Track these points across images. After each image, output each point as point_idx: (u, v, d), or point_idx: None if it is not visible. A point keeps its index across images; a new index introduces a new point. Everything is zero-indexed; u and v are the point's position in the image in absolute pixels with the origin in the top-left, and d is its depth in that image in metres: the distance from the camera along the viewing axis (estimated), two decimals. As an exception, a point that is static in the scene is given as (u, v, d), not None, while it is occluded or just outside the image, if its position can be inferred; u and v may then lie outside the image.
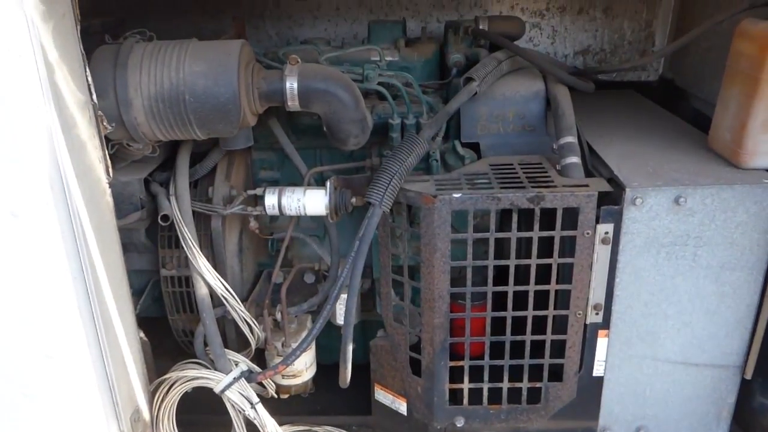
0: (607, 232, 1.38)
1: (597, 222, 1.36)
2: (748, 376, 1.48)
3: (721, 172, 1.39)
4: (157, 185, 1.56)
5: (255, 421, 1.48)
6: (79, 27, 1.17)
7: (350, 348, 1.43)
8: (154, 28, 1.43)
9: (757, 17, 1.34)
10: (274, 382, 1.67)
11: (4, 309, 1.19)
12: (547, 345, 1.47)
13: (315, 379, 1.77)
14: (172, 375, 1.49)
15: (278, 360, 1.55)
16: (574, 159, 1.43)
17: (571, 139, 1.46)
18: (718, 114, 1.45)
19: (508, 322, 1.46)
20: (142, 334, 1.63)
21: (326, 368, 1.77)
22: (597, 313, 1.45)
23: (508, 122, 1.60)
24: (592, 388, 1.53)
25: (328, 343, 1.77)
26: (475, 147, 1.61)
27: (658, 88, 2.18)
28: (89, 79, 1.20)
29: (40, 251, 1.14)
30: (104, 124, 1.26)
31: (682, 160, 1.46)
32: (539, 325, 1.46)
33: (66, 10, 1.13)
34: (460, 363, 1.51)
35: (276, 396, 1.61)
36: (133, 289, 1.67)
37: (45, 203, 1.12)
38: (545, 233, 1.37)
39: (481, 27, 1.73)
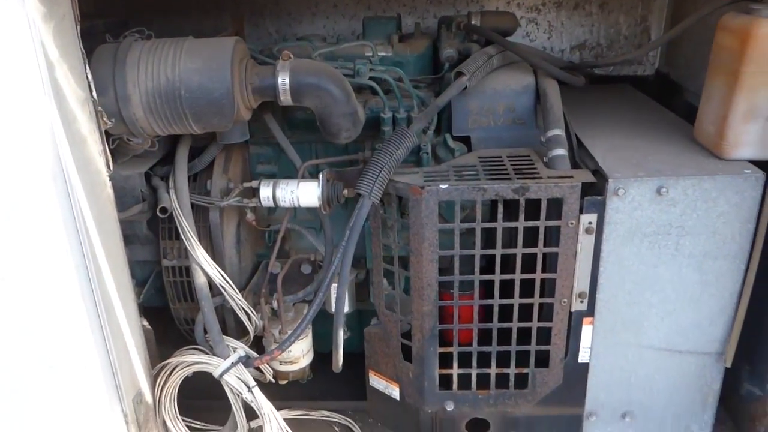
0: (590, 222, 1.41)
1: (581, 212, 1.40)
2: (728, 364, 1.51)
3: (703, 163, 1.42)
4: (157, 179, 1.62)
5: (252, 404, 1.54)
6: (78, 27, 1.23)
7: (341, 334, 1.48)
8: (155, 27, 1.49)
9: (740, 11, 1.37)
10: (273, 369, 1.73)
11: (11, 297, 1.25)
12: (534, 332, 1.51)
13: (313, 366, 1.83)
14: (173, 360, 1.55)
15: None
16: (561, 151, 1.47)
17: (558, 131, 1.50)
18: (702, 106, 1.48)
19: (495, 309, 1.50)
20: (145, 322, 1.69)
21: (323, 356, 1.82)
22: (582, 301, 1.49)
23: (498, 116, 1.64)
24: (578, 374, 1.57)
25: (324, 331, 1.82)
26: (466, 140, 1.66)
27: (654, 82, 2.20)
28: (89, 76, 1.26)
29: (43, 241, 1.21)
30: (104, 119, 1.32)
31: (667, 151, 1.49)
32: (526, 312, 1.50)
33: (66, 11, 1.18)
34: (450, 349, 1.56)
35: (274, 381, 1.67)
36: (136, 279, 1.75)
37: (47, 195, 1.18)
38: (530, 223, 1.41)
39: (473, 22, 1.76)
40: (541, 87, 1.61)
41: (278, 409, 1.79)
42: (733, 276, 1.44)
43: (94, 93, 1.28)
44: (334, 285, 1.67)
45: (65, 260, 1.24)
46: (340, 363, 1.54)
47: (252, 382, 1.54)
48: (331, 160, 1.64)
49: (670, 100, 1.95)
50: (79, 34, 1.23)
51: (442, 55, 1.71)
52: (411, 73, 1.72)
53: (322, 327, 1.80)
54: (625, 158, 1.46)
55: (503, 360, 1.55)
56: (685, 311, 1.48)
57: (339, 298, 1.44)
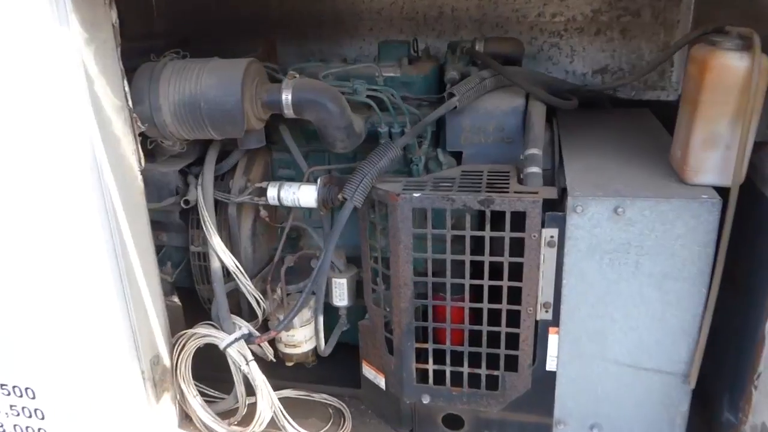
0: (552, 236, 1.51)
1: (543, 226, 1.51)
2: (692, 385, 1.54)
3: (665, 186, 1.47)
4: (192, 176, 1.90)
5: (249, 376, 1.77)
6: (119, 49, 1.52)
7: (320, 320, 1.68)
8: (204, 46, 1.77)
9: (707, 42, 1.42)
10: (280, 351, 1.95)
11: (51, 270, 1.56)
12: (502, 336, 1.63)
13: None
14: (188, 332, 1.81)
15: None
16: (535, 169, 1.58)
17: (535, 151, 1.61)
18: (675, 132, 1.54)
19: (466, 312, 1.64)
20: (176, 299, 1.98)
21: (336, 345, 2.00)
22: (547, 311, 1.59)
23: (489, 134, 1.77)
24: (546, 382, 1.66)
25: (329, 322, 2.01)
26: (460, 155, 1.80)
27: (677, 107, 2.21)
28: (126, 88, 1.56)
29: (78, 223, 1.50)
30: (138, 124, 1.61)
31: (636, 174, 1.55)
32: (497, 317, 1.62)
33: (107, 36, 1.48)
34: (425, 345, 1.70)
35: (274, 360, 1.88)
36: (173, 262, 2.04)
37: (84, 184, 1.48)
38: (496, 233, 1.54)
39: (477, 47, 1.91)
40: (528, 109, 1.72)
41: (284, 388, 2.03)
42: (694, 298, 1.48)
43: (130, 102, 1.58)
44: (335, 279, 1.88)
45: (97, 239, 1.53)
46: (323, 347, 1.73)
47: (250, 357, 1.77)
48: (332, 167, 1.84)
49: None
50: (118, 54, 1.52)
51: (445, 77, 1.87)
52: (417, 93, 1.89)
53: (327, 318, 1.99)
54: (592, 178, 1.54)
55: (476, 360, 1.68)
56: (648, 329, 1.54)
57: (319, 288, 1.64)
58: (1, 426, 1.86)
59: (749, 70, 1.32)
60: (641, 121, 2.06)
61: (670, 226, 1.43)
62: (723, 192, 1.42)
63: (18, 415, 1.82)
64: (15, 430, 1.85)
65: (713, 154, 1.41)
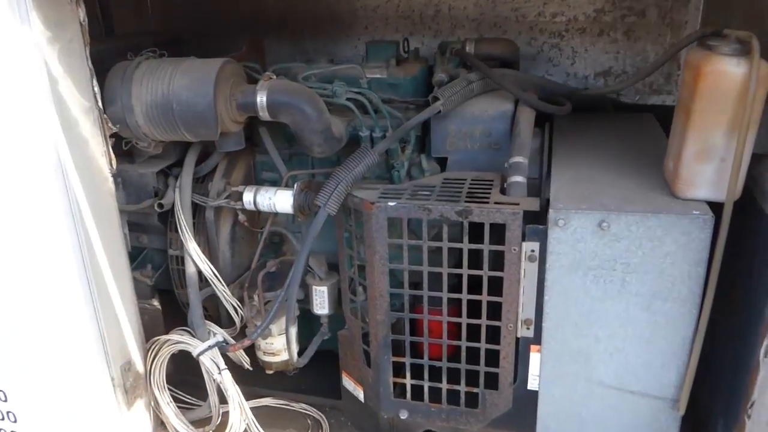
0: (533, 250, 1.43)
1: (523, 239, 1.43)
2: (682, 411, 1.44)
3: (654, 200, 1.38)
4: (172, 178, 1.86)
5: (221, 385, 1.72)
6: (87, 48, 1.47)
7: (293, 331, 1.62)
8: (199, 46, 1.73)
9: (703, 46, 1.32)
10: (259, 359, 1.90)
11: (17, 273, 1.52)
12: (482, 353, 1.55)
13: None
14: (162, 338, 1.77)
15: (258, 339, 1.79)
16: (519, 178, 1.50)
17: (519, 159, 1.53)
18: (669, 143, 1.44)
19: (444, 326, 1.56)
20: (156, 303, 1.94)
21: (318, 353, 1.93)
22: (528, 328, 1.50)
23: (475, 140, 1.69)
24: (527, 401, 1.57)
25: (310, 330, 1.95)
26: (445, 161, 1.73)
27: (683, 112, 2.10)
28: (95, 89, 1.51)
29: (43, 225, 1.46)
30: (108, 125, 1.57)
31: (626, 186, 1.46)
32: (477, 333, 1.54)
33: (74, 35, 1.43)
34: (402, 359, 1.63)
35: (250, 369, 1.83)
36: (153, 264, 2.00)
37: (48, 186, 1.43)
38: (474, 246, 1.46)
39: (467, 49, 1.83)
40: (517, 115, 1.64)
41: (263, 396, 1.98)
42: (685, 320, 1.38)
43: (100, 103, 1.53)
44: (315, 287, 1.82)
45: (62, 242, 1.49)
46: (295, 358, 1.67)
47: (223, 365, 1.72)
48: (309, 171, 1.78)
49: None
50: (87, 54, 1.47)
51: (433, 80, 1.79)
52: (404, 95, 1.82)
53: (307, 327, 1.94)
54: (579, 190, 1.45)
55: (456, 376, 1.60)
56: (635, 350, 1.44)
57: (290, 297, 1.58)
58: (-23, 427, 1.84)
59: (746, 77, 1.22)
60: (643, 128, 1.96)
61: (659, 243, 1.34)
62: (717, 207, 1.32)
63: (-9, 417, 1.80)
64: (-11, 431, 1.83)
65: (707, 167, 1.31)
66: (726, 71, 1.24)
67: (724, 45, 1.26)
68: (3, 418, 1.78)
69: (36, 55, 1.34)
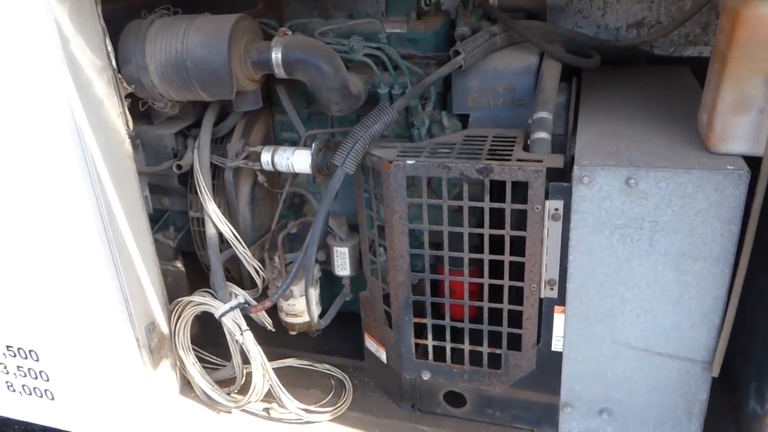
0: (557, 209, 1.38)
1: (547, 198, 1.38)
2: (715, 374, 1.40)
3: (687, 155, 1.31)
4: (191, 139, 1.84)
5: (243, 346, 1.73)
6: (99, 7, 1.44)
7: (311, 292, 1.61)
8: (211, 3, 1.67)
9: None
10: (282, 320, 1.91)
11: (41, 238, 1.54)
12: (505, 314, 1.52)
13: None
14: (184, 299, 1.78)
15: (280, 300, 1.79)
16: (542, 134, 1.44)
17: (544, 114, 1.46)
18: (703, 94, 1.36)
19: (465, 287, 1.53)
20: (179, 264, 1.95)
21: (342, 315, 1.92)
22: (552, 289, 1.47)
23: (498, 96, 1.63)
24: (551, 362, 1.55)
25: (332, 292, 1.95)
26: (467, 118, 1.67)
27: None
28: (108, 48, 1.49)
29: (62, 187, 1.47)
30: (123, 85, 1.55)
31: (656, 141, 1.39)
32: (499, 293, 1.51)
33: (84, -7, 1.41)
34: (424, 320, 1.61)
35: (273, 330, 1.83)
36: (176, 226, 2.01)
37: (65, 148, 1.43)
38: (496, 205, 1.42)
39: (491, 1, 1.74)
40: (542, 68, 1.57)
41: (287, 357, 1.99)
42: (716, 280, 1.33)
43: (114, 62, 1.51)
44: (336, 248, 1.81)
45: (82, 204, 1.50)
46: (315, 320, 1.67)
47: (245, 326, 1.72)
48: (334, 130, 1.74)
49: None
50: (99, 12, 1.45)
51: (455, 33, 1.72)
52: (425, 50, 1.75)
53: (329, 289, 1.93)
54: (605, 145, 1.39)
55: (478, 337, 1.58)
56: (663, 311, 1.40)
57: (309, 259, 1.56)
58: (12, 385, 1.90)
59: (790, 21, 1.13)
60: (677, 81, 1.86)
61: (690, 200, 1.28)
62: (754, 162, 1.25)
63: (25, 376, 1.85)
64: (24, 390, 1.89)
65: (743, 119, 1.23)
66: (766, 15, 1.16)
67: (767, -14, 1.17)
68: (36, 377, 1.83)
69: (46, 14, 1.32)
